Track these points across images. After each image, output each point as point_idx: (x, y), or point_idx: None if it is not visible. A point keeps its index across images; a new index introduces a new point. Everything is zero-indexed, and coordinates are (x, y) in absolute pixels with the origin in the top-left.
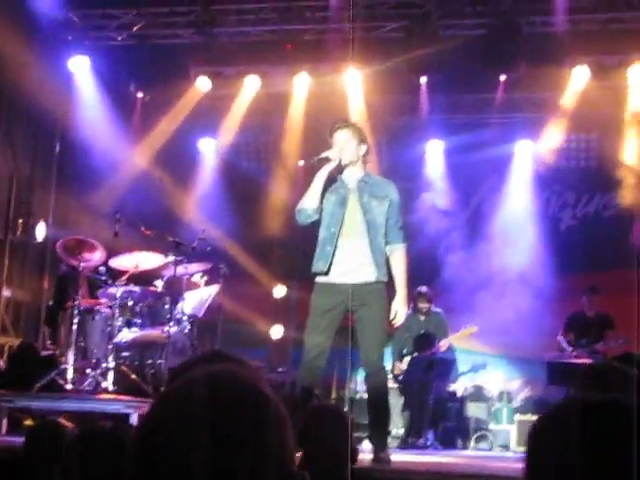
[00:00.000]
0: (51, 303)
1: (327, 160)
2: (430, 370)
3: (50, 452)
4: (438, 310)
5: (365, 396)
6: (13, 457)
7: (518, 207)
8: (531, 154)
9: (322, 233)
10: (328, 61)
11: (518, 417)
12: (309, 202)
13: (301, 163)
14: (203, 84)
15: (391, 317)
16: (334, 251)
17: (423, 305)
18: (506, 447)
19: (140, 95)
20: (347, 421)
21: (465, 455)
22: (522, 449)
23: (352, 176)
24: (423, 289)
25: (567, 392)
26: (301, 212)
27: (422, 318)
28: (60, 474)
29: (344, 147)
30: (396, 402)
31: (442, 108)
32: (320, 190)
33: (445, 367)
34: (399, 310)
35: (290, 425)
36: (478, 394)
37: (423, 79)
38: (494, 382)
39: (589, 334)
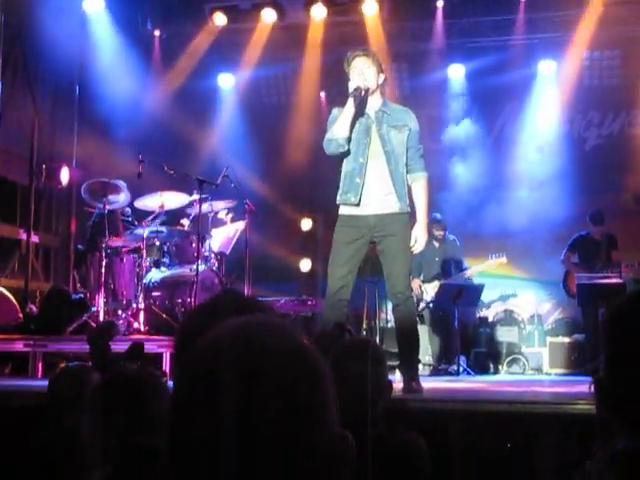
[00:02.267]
0: (80, 246)
1: (358, 90)
2: (459, 297)
3: (73, 397)
4: (452, 237)
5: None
6: (44, 402)
7: (542, 128)
8: (554, 74)
9: (349, 164)
10: None
11: (550, 339)
12: (340, 131)
13: (322, 95)
14: (219, 19)
15: (411, 244)
16: (363, 183)
17: (438, 232)
18: (539, 370)
19: (157, 33)
20: (382, 353)
21: (498, 379)
22: (555, 371)
23: (371, 106)
24: (438, 216)
25: (597, 313)
26: (332, 142)
27: (437, 245)
28: (84, 419)
29: (365, 74)
30: (423, 330)
31: (461, 32)
32: (350, 119)
33: (474, 293)
34: (419, 237)
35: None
36: (509, 318)
37: (440, 3)
38: (524, 306)
39: (598, 256)
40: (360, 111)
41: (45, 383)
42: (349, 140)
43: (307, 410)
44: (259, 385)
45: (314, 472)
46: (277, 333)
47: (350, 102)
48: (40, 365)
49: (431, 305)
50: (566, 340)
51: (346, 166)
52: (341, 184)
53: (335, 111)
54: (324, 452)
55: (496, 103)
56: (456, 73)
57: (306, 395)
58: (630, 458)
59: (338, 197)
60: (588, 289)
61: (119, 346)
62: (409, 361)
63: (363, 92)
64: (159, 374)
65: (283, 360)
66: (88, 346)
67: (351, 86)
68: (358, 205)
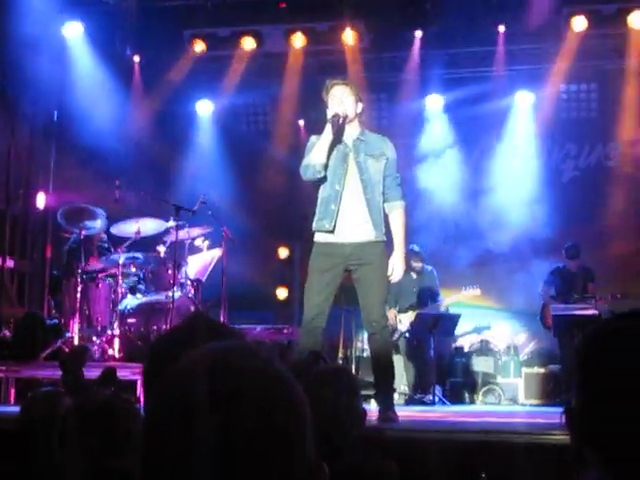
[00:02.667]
0: (55, 272)
1: (336, 117)
2: (434, 327)
3: (46, 421)
4: (430, 268)
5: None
6: (17, 427)
7: (519, 159)
8: (531, 106)
9: (326, 191)
10: (323, 19)
11: (525, 370)
12: (317, 158)
13: (301, 122)
14: (198, 46)
15: (388, 273)
16: (338, 209)
17: (416, 264)
18: (514, 400)
19: (136, 59)
20: (356, 382)
21: (473, 409)
22: (530, 402)
23: (349, 134)
24: (416, 248)
25: (573, 344)
26: (309, 168)
27: (414, 276)
28: (57, 445)
29: (343, 103)
30: (399, 359)
31: (439, 63)
32: (328, 146)
33: (449, 323)
34: (397, 266)
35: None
36: (485, 349)
37: (418, 33)
38: (500, 336)
39: (574, 288)
40: (338, 138)
41: (17, 409)
42: (326, 167)
43: (284, 434)
44: (236, 407)
45: None
46: (254, 357)
47: (328, 128)
48: (12, 391)
49: (407, 335)
50: (541, 371)
51: (322, 193)
52: (317, 210)
53: (313, 138)
54: (299, 478)
55: (474, 134)
56: (434, 104)
57: (284, 419)
58: None
59: (314, 224)
60: (564, 320)
61: (93, 372)
62: (385, 390)
63: (341, 119)
64: (132, 399)
65: (261, 383)
66: (61, 370)
67: (329, 113)
68: (332, 232)
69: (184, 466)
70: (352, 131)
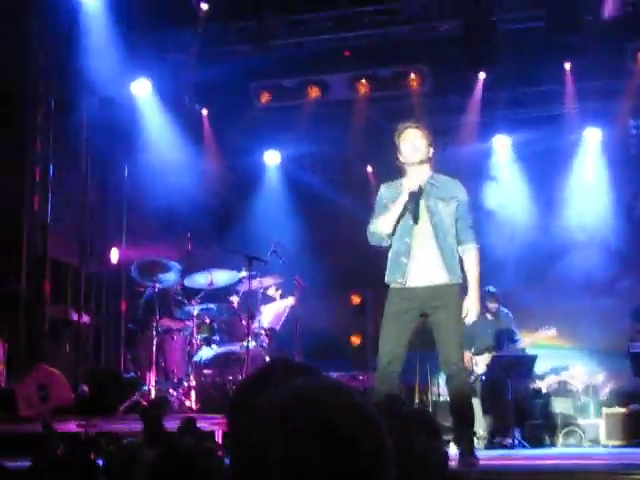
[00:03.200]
0: (131, 326)
1: (414, 193)
2: (511, 369)
3: (128, 472)
4: (506, 310)
5: (447, 399)
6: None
7: (590, 198)
8: (600, 142)
9: (396, 243)
10: (387, 65)
11: (606, 410)
12: (385, 227)
13: (369, 169)
14: (264, 98)
15: (463, 315)
16: (408, 262)
17: (492, 305)
18: (596, 441)
19: (205, 112)
20: (437, 425)
21: (554, 452)
22: (612, 442)
23: (419, 179)
24: (492, 289)
25: None
26: (375, 235)
27: (490, 317)
28: None
29: (416, 146)
30: (476, 402)
31: (505, 103)
32: (397, 216)
33: (527, 365)
34: (471, 308)
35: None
36: (563, 389)
37: (482, 75)
38: (578, 376)
39: None
40: (410, 209)
41: (99, 462)
42: (391, 236)
43: (373, 469)
44: (329, 440)
45: None
46: (346, 392)
47: (402, 200)
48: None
49: (483, 377)
50: (622, 410)
51: (393, 245)
52: (388, 263)
53: (382, 189)
54: None
55: (543, 172)
56: (501, 144)
57: (374, 454)
58: None
59: (386, 277)
60: None
61: (171, 424)
62: (464, 434)
63: (417, 192)
64: (214, 447)
65: (354, 417)
66: (141, 423)
67: (405, 185)
68: (405, 284)
69: None
70: (423, 175)
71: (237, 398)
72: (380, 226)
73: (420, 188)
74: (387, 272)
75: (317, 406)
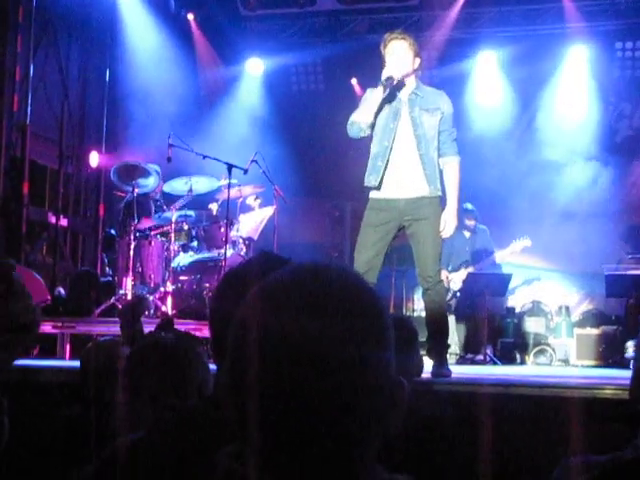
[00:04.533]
0: (108, 230)
1: (390, 80)
2: (486, 287)
3: (106, 369)
4: (483, 227)
5: (422, 314)
6: (74, 380)
7: (573, 118)
8: (585, 63)
9: (375, 147)
10: None
11: (577, 331)
12: (363, 116)
13: (354, 81)
14: (249, 5)
15: (440, 228)
16: (386, 165)
17: (469, 222)
18: (566, 361)
19: (190, 17)
20: (415, 332)
21: (525, 369)
22: (582, 362)
23: (404, 89)
24: (469, 206)
25: (627, 304)
26: (353, 125)
27: (467, 235)
28: (118, 391)
29: (401, 58)
30: (451, 319)
31: (491, 20)
32: (376, 106)
33: (501, 283)
34: (449, 222)
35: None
36: (536, 309)
37: None
38: (552, 296)
39: None
40: (389, 98)
41: (73, 364)
42: (372, 126)
43: (378, 336)
44: (332, 312)
45: (374, 404)
46: (344, 270)
47: (380, 89)
48: (68, 347)
49: (458, 294)
50: (594, 332)
51: (372, 149)
52: (368, 166)
53: (368, 92)
54: (386, 390)
55: (527, 90)
56: (486, 60)
57: (378, 326)
58: None
59: (365, 179)
60: (616, 280)
61: (148, 328)
62: (438, 346)
63: (395, 81)
64: (195, 340)
65: (356, 292)
66: (119, 320)
67: (385, 72)
68: (378, 188)
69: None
70: (408, 85)
71: (218, 293)
72: (359, 115)
73: (392, 77)
74: (366, 174)
75: (322, 281)
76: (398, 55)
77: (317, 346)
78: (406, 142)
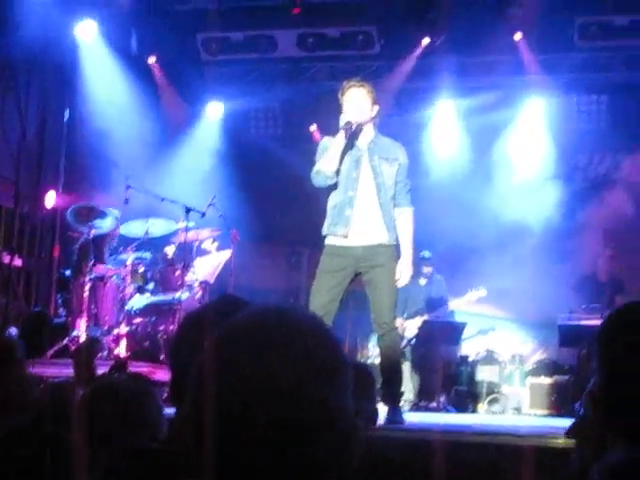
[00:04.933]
0: (63, 271)
1: (349, 125)
2: (440, 334)
3: (59, 410)
4: (439, 276)
5: (376, 361)
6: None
7: (529, 167)
8: (542, 114)
9: (338, 196)
10: (336, 24)
11: (531, 380)
12: (328, 165)
13: (313, 128)
14: (210, 50)
15: (396, 277)
16: (352, 215)
17: (426, 270)
18: (519, 410)
19: (152, 60)
20: (372, 380)
21: (478, 417)
22: (535, 411)
23: (363, 137)
24: (426, 254)
25: (580, 354)
26: (319, 174)
27: (423, 283)
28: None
29: (359, 106)
30: (405, 366)
31: (451, 70)
32: (339, 153)
33: (455, 332)
34: (404, 271)
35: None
36: (490, 357)
37: (426, 40)
38: (505, 345)
39: (600, 299)
40: (350, 144)
41: None
42: (337, 173)
43: (334, 381)
44: (290, 354)
45: (330, 443)
46: (301, 313)
47: (340, 135)
48: None
49: (413, 342)
50: (547, 381)
51: (335, 197)
52: (329, 215)
53: (325, 140)
54: (342, 430)
55: (484, 140)
56: (444, 109)
57: (335, 368)
58: (632, 466)
59: (325, 228)
60: (569, 329)
61: (102, 369)
62: (393, 392)
63: (354, 126)
64: (149, 384)
65: (314, 333)
66: (73, 362)
67: (343, 118)
68: (346, 237)
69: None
70: (367, 134)
71: (179, 336)
72: (324, 164)
73: (351, 123)
74: (328, 223)
75: (277, 323)
76: (356, 102)
77: (277, 385)
78: (367, 190)
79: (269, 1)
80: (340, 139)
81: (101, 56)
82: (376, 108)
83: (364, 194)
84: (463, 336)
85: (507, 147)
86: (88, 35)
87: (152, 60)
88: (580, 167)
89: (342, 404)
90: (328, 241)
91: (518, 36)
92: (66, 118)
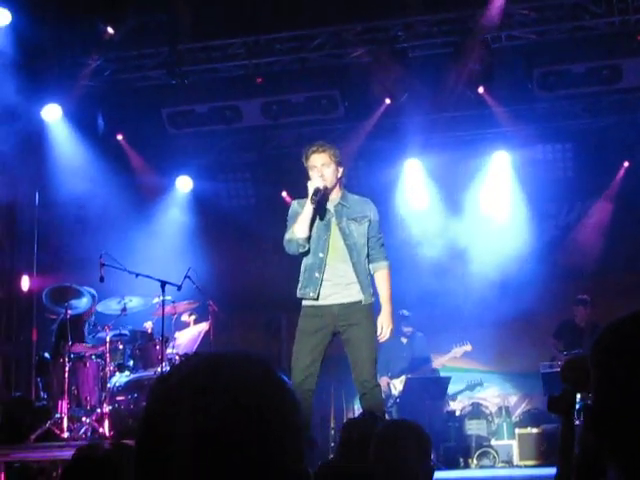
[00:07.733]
0: (42, 353)
1: (317, 192)
2: (425, 390)
3: None
4: (420, 334)
5: None
6: None
7: (499, 220)
8: (508, 165)
9: (309, 259)
10: (299, 90)
11: (518, 431)
12: (299, 232)
13: (284, 194)
14: (176, 124)
15: (378, 332)
16: (322, 278)
17: (407, 329)
18: (509, 462)
19: (119, 137)
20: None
21: (469, 473)
22: (525, 463)
23: (331, 199)
24: (406, 312)
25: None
26: (291, 242)
27: (404, 341)
28: None
29: (323, 169)
30: None
31: (415, 128)
32: (309, 219)
33: (440, 387)
34: (385, 325)
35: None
36: (477, 411)
37: (387, 101)
38: (491, 398)
39: (580, 344)
40: (319, 209)
41: None
42: (309, 239)
43: (282, 425)
44: (234, 398)
45: None
46: (252, 362)
47: (309, 203)
48: (2, 475)
49: (398, 400)
50: (535, 431)
51: (306, 260)
52: (301, 278)
53: (294, 205)
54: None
55: (452, 195)
56: (412, 166)
57: (283, 411)
58: None
59: (298, 291)
60: (552, 377)
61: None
62: None
63: (321, 193)
64: (128, 448)
65: (258, 384)
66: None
67: (310, 185)
68: (317, 299)
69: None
70: (333, 196)
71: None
72: (295, 232)
73: (319, 189)
74: (299, 286)
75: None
76: (320, 167)
77: (222, 426)
78: (339, 252)
79: (232, 72)
80: (309, 207)
81: (69, 136)
82: (341, 170)
83: (336, 256)
84: (452, 392)
85: (478, 200)
86: (53, 118)
87: (120, 137)
88: (552, 215)
89: (293, 449)
90: (305, 302)
91: (481, 89)
92: (37, 201)
